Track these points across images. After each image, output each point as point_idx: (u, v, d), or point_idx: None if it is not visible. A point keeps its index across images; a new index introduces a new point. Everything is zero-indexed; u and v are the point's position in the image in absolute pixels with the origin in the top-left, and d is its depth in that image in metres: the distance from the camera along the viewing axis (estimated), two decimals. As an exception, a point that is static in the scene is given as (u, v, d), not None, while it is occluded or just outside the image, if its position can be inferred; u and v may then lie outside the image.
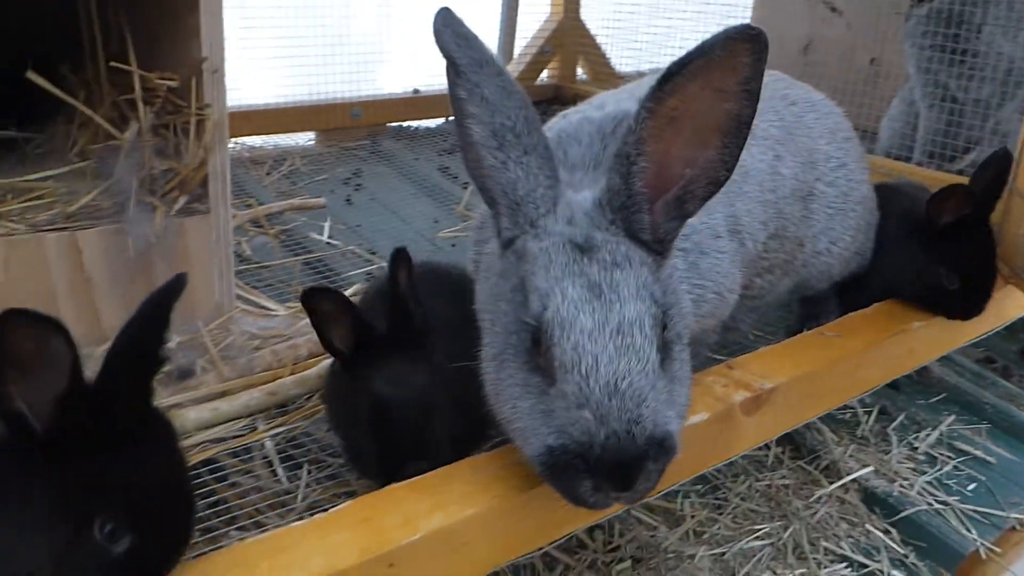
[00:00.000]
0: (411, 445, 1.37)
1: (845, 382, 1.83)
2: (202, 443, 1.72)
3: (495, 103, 1.26)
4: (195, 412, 1.76)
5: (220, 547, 1.46)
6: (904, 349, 1.98)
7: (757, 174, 1.74)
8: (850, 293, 2.26)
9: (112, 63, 1.89)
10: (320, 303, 1.43)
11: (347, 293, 2.30)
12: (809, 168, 1.94)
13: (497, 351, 1.27)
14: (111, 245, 1.86)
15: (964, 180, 2.23)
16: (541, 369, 1.19)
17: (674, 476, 1.47)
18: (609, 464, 1.11)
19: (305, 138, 4.10)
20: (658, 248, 1.27)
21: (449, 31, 1.29)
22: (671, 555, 1.92)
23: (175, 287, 1.10)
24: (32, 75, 1.84)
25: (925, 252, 2.10)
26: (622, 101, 1.70)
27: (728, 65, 1.18)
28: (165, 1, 1.92)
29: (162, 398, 1.79)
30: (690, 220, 1.48)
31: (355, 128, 4.12)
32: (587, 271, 1.21)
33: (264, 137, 3.94)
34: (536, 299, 1.20)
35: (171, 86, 1.85)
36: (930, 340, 2.07)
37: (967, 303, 2.12)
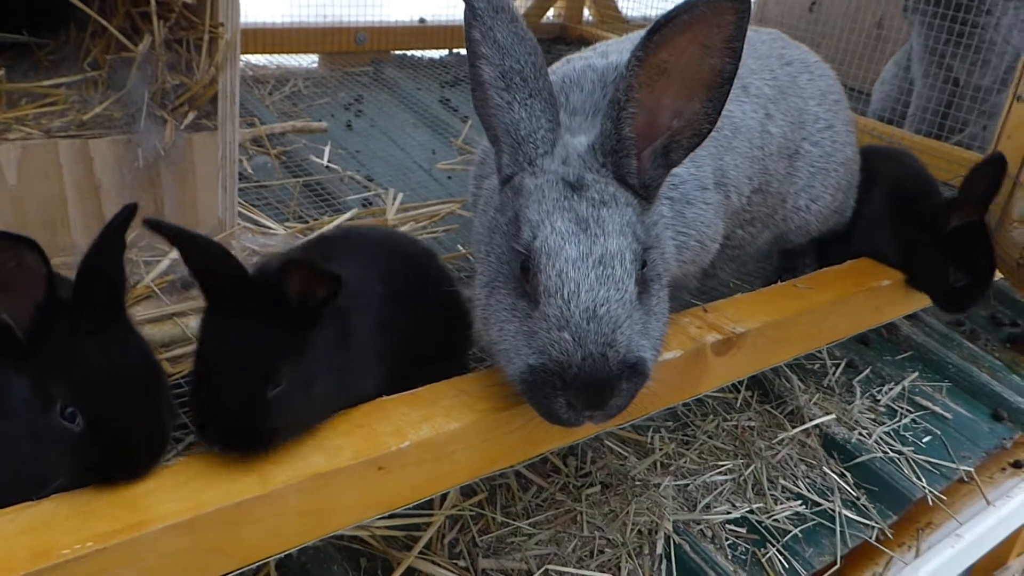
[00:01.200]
0: None
1: (812, 331, 1.93)
2: (202, 350, 1.81)
3: (506, 47, 1.34)
4: (196, 320, 1.85)
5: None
6: (870, 305, 2.08)
7: (747, 131, 1.82)
8: (830, 248, 2.35)
9: (130, -24, 1.92)
10: None
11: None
12: (798, 128, 2.02)
13: (489, 279, 1.36)
14: (121, 155, 1.92)
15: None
16: (527, 295, 1.28)
17: (646, 406, 1.58)
18: (583, 382, 1.20)
19: (308, 60, 4.11)
20: (643, 193, 1.36)
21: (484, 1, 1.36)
22: (638, 483, 2.05)
23: (125, 217, 1.21)
24: (50, -18, 1.87)
25: (933, 251, 2.19)
26: (625, 51, 1.76)
27: (713, 23, 1.26)
28: (183, -84, 1.94)
29: (166, 306, 1.88)
30: (679, 171, 1.57)
31: (359, 53, 4.13)
32: (576, 207, 1.29)
33: (267, 56, 3.95)
34: (527, 229, 1.29)
35: (188, 2, 1.88)
36: (896, 298, 2.17)
37: (968, 298, 2.24)
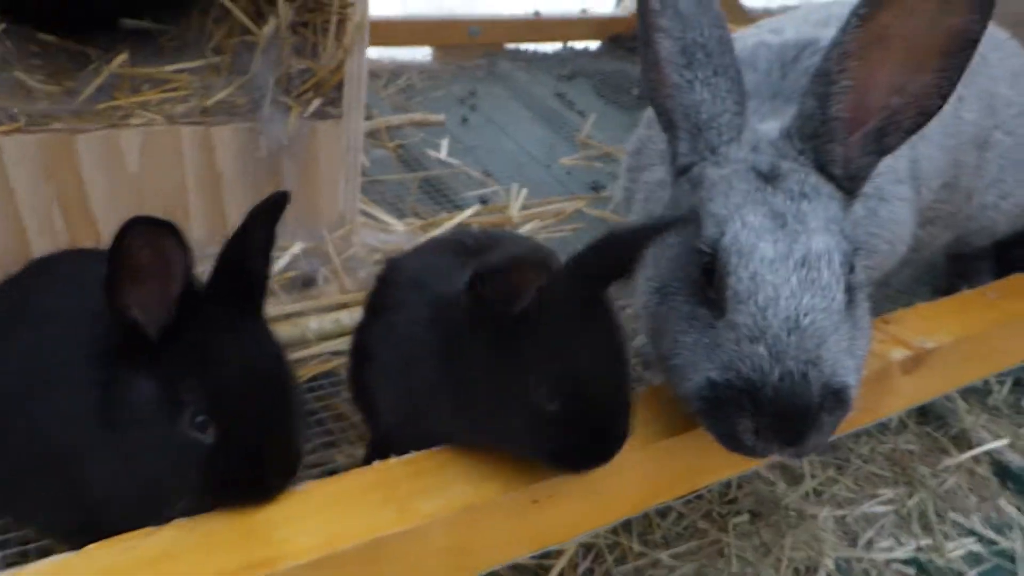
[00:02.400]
0: None
1: (1008, 347, 1.69)
2: (323, 355, 1.69)
3: (689, 17, 1.16)
4: (316, 321, 1.73)
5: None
6: (1072, 320, 1.81)
7: (942, 115, 1.58)
8: (1017, 251, 2.08)
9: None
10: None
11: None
12: (989, 113, 1.77)
13: (659, 283, 1.19)
14: (244, 143, 1.82)
15: None
16: (710, 301, 1.10)
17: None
18: (780, 407, 1.01)
19: (422, 53, 4.01)
20: (849, 186, 1.16)
21: None
22: (792, 513, 1.84)
23: (277, 203, 1.06)
24: (176, -38, 1.78)
25: None
26: (803, 28, 1.55)
27: None
28: None
29: (285, 304, 1.77)
30: None
31: (472, 47, 4.00)
32: (771, 200, 1.10)
33: (381, 49, 3.86)
34: (712, 225, 1.11)
35: (320, -18, 1.77)
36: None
37: None
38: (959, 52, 1.09)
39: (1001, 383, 2.31)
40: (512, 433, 1.05)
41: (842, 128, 1.13)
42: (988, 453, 2.08)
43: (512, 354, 1.03)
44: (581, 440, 1.02)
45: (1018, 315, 1.68)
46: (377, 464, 1.10)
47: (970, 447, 2.09)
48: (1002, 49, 1.88)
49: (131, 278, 0.96)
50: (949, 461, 2.05)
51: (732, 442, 1.07)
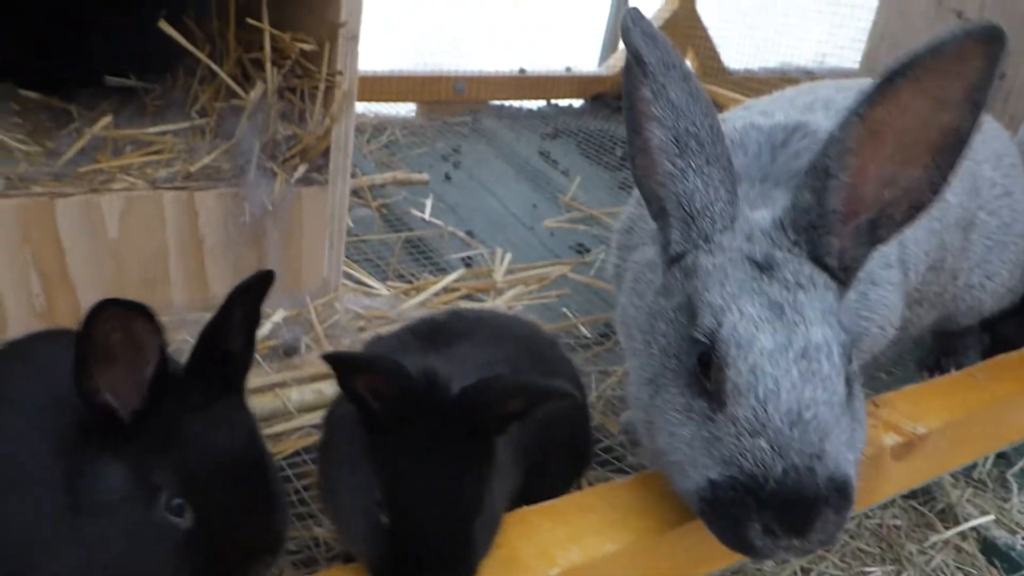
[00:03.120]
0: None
1: (996, 430, 1.68)
2: (304, 428, 1.64)
3: (681, 107, 1.15)
4: (298, 392, 1.69)
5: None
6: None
7: None
8: (1005, 327, 2.09)
9: (248, 20, 1.81)
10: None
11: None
12: (973, 195, 1.78)
13: (652, 374, 1.16)
14: (227, 208, 1.80)
15: None
16: (707, 394, 1.08)
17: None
18: (785, 501, 0.99)
19: (406, 109, 4.02)
20: (843, 276, 1.15)
21: (638, 30, 1.18)
22: (779, 593, 1.81)
23: (261, 282, 1.03)
24: (164, 25, 1.77)
25: None
26: (791, 112, 1.56)
27: (956, 70, 1.05)
28: (303, -41, 1.83)
29: (267, 375, 1.73)
30: None
31: (457, 103, 4.02)
32: (767, 290, 1.09)
33: (365, 104, 3.87)
34: (708, 315, 1.09)
35: (305, 49, 1.76)
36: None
37: None
38: (950, 148, 1.09)
39: (985, 457, 2.31)
40: (353, 532, 1.04)
41: (838, 221, 1.12)
42: (975, 529, 2.06)
43: (368, 455, 1.02)
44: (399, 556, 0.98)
45: (1006, 397, 1.67)
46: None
47: (956, 523, 2.06)
48: (983, 132, 1.89)
49: (102, 361, 0.93)
50: (936, 537, 2.02)
51: (739, 545, 1.04)
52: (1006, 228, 1.85)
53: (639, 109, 1.19)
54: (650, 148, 1.18)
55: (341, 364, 1.01)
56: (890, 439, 1.44)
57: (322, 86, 1.80)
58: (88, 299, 1.75)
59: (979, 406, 1.62)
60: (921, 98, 1.06)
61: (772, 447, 1.00)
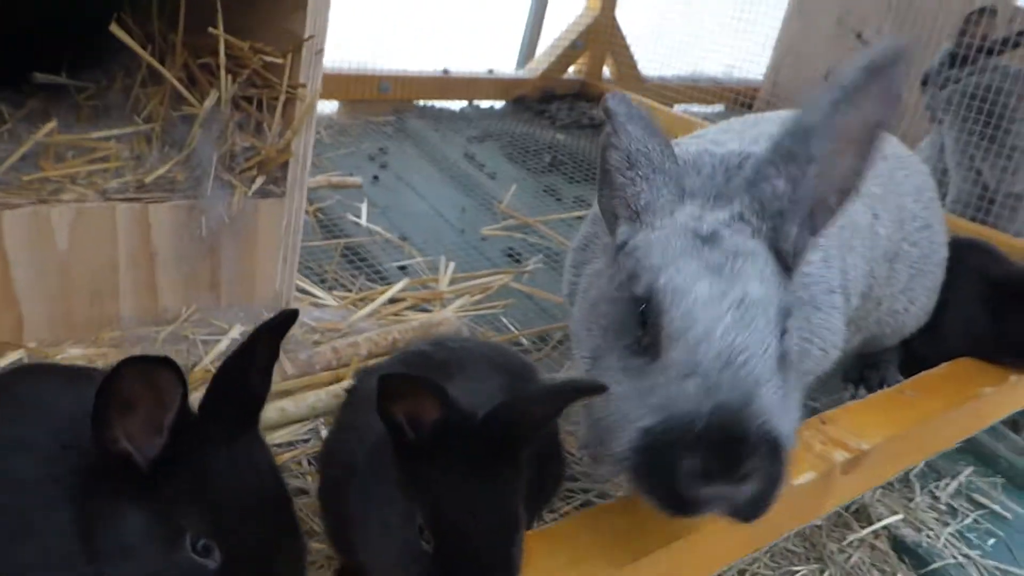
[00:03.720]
0: None
1: (926, 443, 1.81)
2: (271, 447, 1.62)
3: (635, 136, 1.25)
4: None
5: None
6: (976, 412, 1.97)
7: (860, 230, 1.70)
8: (918, 344, 2.24)
9: (210, 29, 1.76)
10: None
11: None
12: (898, 227, 1.91)
13: (592, 352, 1.22)
14: (183, 221, 1.75)
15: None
16: (643, 351, 1.10)
17: (772, 533, 1.43)
18: (714, 440, 0.98)
19: (329, 107, 3.96)
20: (792, 263, 1.23)
21: (618, 100, 1.29)
22: (718, 595, 1.90)
23: (285, 322, 1.03)
24: (115, 29, 1.70)
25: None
26: (742, 142, 1.63)
27: (879, 85, 1.18)
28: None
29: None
30: (810, 270, 1.45)
31: (381, 102, 3.99)
32: (707, 256, 1.14)
33: (287, 101, 3.78)
34: (647, 276, 1.14)
35: (271, 62, 1.72)
36: (998, 403, 2.06)
37: None
38: (871, 139, 1.21)
39: (894, 459, 2.47)
40: (389, 562, 1.04)
41: (802, 208, 1.20)
42: (886, 528, 2.20)
43: (404, 484, 1.02)
44: None
45: (934, 413, 1.81)
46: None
47: (870, 522, 2.21)
48: (906, 166, 2.04)
49: (121, 411, 0.91)
50: (852, 536, 2.16)
51: (669, 498, 1.03)
52: (926, 258, 2.00)
53: (603, 145, 1.27)
54: (608, 170, 1.26)
55: (394, 384, 0.99)
56: (839, 455, 1.54)
57: (282, 98, 1.77)
58: (33, 312, 1.68)
59: (912, 422, 1.74)
60: (856, 107, 1.18)
61: (703, 389, 1.01)
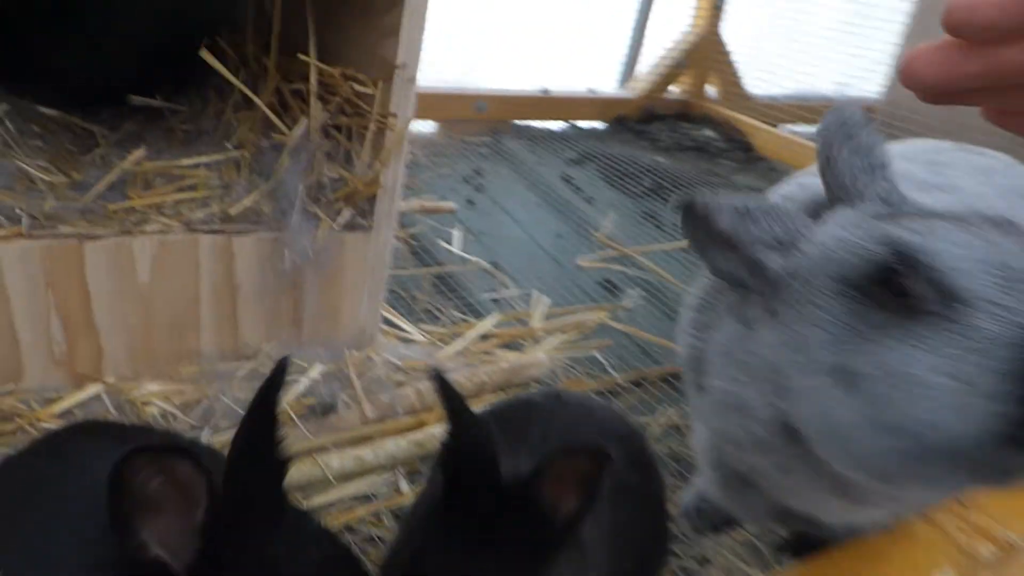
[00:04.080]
0: None
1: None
2: (342, 500, 1.52)
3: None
4: (338, 459, 1.57)
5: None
6: None
7: None
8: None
9: (299, 56, 1.68)
10: None
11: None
12: None
13: (835, 376, 1.02)
14: (266, 253, 1.67)
15: None
16: (906, 316, 0.88)
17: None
18: None
19: (425, 127, 3.90)
20: None
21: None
22: None
23: (277, 376, 0.90)
24: (206, 55, 1.64)
25: None
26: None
27: None
28: (358, -13, 1.71)
29: (304, 438, 1.60)
30: None
31: (478, 122, 3.90)
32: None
33: (384, 119, 3.74)
34: (882, 232, 0.94)
35: (360, 91, 1.63)
36: None
37: None
38: None
39: None
40: None
41: None
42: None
43: None
44: None
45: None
46: None
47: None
48: None
49: (143, 513, 0.80)
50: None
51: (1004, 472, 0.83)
52: None
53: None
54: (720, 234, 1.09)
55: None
56: (985, 549, 1.34)
57: (372, 127, 1.67)
58: (113, 345, 1.63)
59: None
60: None
61: None
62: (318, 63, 1.69)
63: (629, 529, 1.19)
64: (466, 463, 0.90)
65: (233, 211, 1.63)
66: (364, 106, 1.69)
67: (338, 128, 1.75)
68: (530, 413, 1.20)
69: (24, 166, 1.67)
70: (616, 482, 1.14)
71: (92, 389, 1.58)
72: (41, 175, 1.68)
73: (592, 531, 1.07)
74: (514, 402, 1.30)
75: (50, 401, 1.55)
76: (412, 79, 1.62)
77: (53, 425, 1.51)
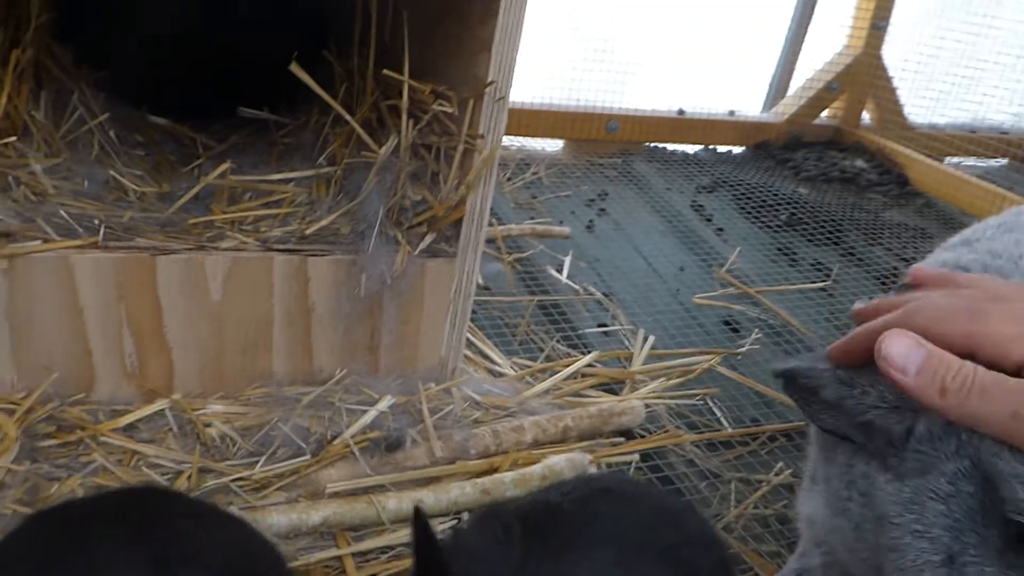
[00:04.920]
0: None
1: None
2: (396, 548, 1.41)
3: None
4: (396, 500, 1.46)
5: None
6: None
7: None
8: None
9: (385, 72, 1.60)
10: None
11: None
12: None
13: (947, 553, 0.89)
14: (342, 277, 1.60)
15: None
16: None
17: None
18: None
19: (552, 145, 3.79)
20: None
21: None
22: None
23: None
24: (296, 69, 1.59)
25: None
26: None
27: None
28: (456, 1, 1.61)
29: (363, 474, 1.51)
30: None
31: (608, 142, 3.76)
32: None
33: (510, 137, 3.66)
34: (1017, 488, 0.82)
35: (445, 111, 1.53)
36: None
37: None
38: None
39: None
40: None
41: None
42: None
43: None
44: None
45: None
46: None
47: None
48: None
49: None
50: None
51: None
52: None
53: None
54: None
55: None
56: None
57: (460, 147, 1.57)
58: (184, 361, 1.59)
59: None
60: None
61: None
62: (409, 80, 1.60)
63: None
64: None
65: (309, 231, 1.56)
66: (452, 126, 1.59)
67: (427, 147, 1.66)
68: (555, 515, 1.02)
69: (116, 175, 1.66)
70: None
71: (157, 405, 1.54)
72: (133, 185, 1.67)
73: None
74: (543, 501, 1.12)
75: (117, 414, 1.53)
76: (503, 98, 1.51)
77: (115, 441, 1.48)
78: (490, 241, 2.66)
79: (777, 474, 1.87)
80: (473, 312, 2.21)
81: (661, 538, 1.02)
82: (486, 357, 2.01)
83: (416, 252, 1.60)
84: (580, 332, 2.32)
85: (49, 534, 0.92)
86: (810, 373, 0.96)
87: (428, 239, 1.61)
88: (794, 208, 3.51)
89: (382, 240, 1.58)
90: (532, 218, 3.00)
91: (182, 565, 0.85)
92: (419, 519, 0.77)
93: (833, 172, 3.89)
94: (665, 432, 1.89)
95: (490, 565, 0.84)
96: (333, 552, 1.37)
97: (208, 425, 1.51)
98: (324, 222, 1.58)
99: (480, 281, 2.43)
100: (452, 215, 1.59)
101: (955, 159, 4.34)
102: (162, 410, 1.54)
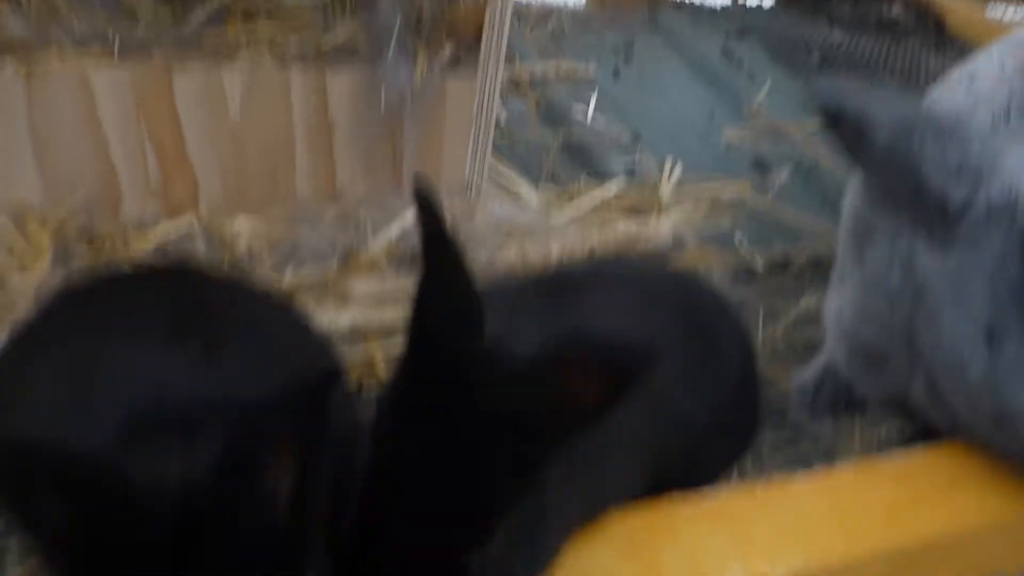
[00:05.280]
0: None
1: None
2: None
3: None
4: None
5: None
6: None
7: None
8: None
9: None
10: None
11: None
12: None
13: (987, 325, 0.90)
14: (361, 91, 1.57)
15: None
16: None
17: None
18: None
19: (574, 1, 3.66)
20: None
21: None
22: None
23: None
24: None
25: None
26: None
27: None
28: None
29: (396, 284, 1.52)
30: None
31: (633, -6, 3.62)
32: None
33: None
34: None
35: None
36: None
37: None
38: None
39: None
40: None
41: None
42: None
43: None
44: None
45: None
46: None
47: None
48: None
49: None
50: None
51: None
52: None
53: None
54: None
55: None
56: None
57: (479, -50, 1.51)
58: (208, 183, 1.59)
59: None
60: None
61: None
62: None
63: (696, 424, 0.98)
64: (437, 327, 0.67)
65: (326, 45, 1.53)
66: (470, -74, 1.53)
67: (446, -46, 1.60)
68: (568, 281, 1.00)
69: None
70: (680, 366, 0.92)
71: (184, 220, 1.55)
72: (145, 8, 1.64)
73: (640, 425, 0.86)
74: (558, 271, 1.09)
75: (145, 227, 1.54)
76: None
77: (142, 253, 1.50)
78: (511, 82, 2.60)
79: (805, 303, 1.86)
80: (497, 148, 2.19)
81: (680, 303, 1.01)
82: (511, 186, 1.99)
83: (436, 65, 1.56)
84: (605, 169, 2.29)
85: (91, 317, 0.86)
86: (863, 109, 0.91)
87: (448, 49, 1.57)
88: (828, 55, 3.39)
89: (401, 51, 1.54)
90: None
91: (233, 352, 0.78)
92: (422, 197, 0.68)
93: (870, 17, 3.74)
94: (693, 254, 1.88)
95: (508, 297, 0.84)
96: (365, 353, 1.39)
97: (235, 238, 1.53)
98: (341, 35, 1.54)
99: (502, 120, 2.39)
100: (472, 20, 1.54)
101: (998, 3, 4.14)
102: (191, 225, 1.55)
